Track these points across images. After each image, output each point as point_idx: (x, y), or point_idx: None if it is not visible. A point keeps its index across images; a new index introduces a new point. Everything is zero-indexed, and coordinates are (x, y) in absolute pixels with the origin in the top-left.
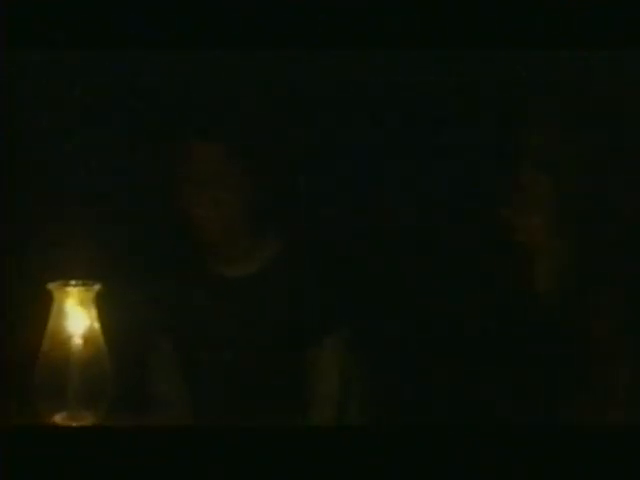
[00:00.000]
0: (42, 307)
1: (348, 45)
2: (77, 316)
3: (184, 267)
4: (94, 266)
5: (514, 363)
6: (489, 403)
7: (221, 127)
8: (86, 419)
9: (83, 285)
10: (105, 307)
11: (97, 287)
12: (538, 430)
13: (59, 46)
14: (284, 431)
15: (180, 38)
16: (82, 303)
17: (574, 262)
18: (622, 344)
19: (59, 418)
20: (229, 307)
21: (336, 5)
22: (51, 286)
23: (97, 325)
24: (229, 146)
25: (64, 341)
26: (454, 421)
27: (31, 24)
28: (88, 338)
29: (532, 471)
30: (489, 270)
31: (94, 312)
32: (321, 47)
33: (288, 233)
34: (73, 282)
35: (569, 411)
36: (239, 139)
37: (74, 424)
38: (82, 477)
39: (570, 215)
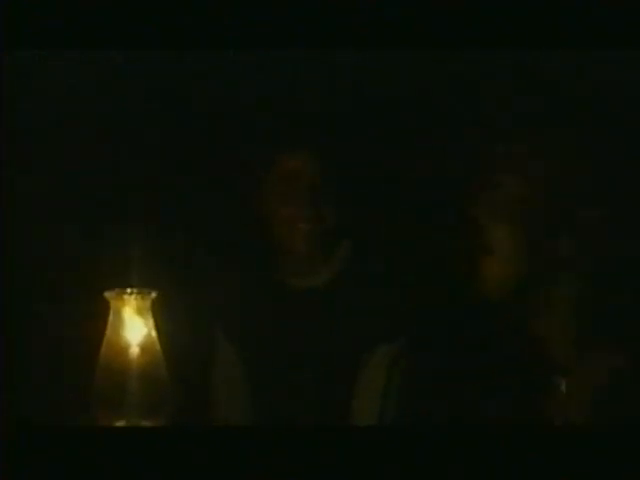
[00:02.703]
0: (99, 315)
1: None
2: (134, 324)
3: (252, 275)
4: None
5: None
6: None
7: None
8: None
9: (139, 293)
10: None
11: (154, 295)
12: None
13: (59, 46)
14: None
15: (180, 38)
16: (139, 311)
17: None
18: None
19: None
20: (296, 318)
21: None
22: (108, 294)
23: (154, 333)
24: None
25: (122, 350)
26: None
27: (30, 24)
28: (145, 347)
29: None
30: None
31: (151, 320)
32: (323, 47)
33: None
34: (129, 290)
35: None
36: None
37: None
38: (83, 477)
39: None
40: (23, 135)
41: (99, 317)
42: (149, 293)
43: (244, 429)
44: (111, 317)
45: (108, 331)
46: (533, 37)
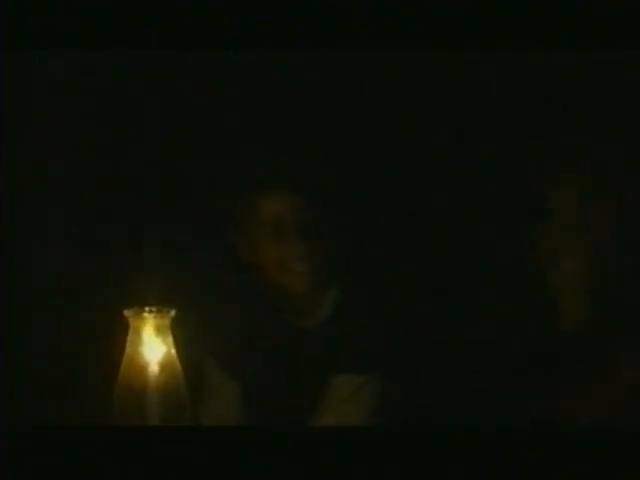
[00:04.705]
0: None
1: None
2: (153, 343)
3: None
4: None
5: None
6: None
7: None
8: None
9: (159, 311)
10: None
11: (173, 313)
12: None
13: (59, 46)
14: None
15: (181, 38)
16: (158, 329)
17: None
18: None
19: None
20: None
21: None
22: (127, 312)
23: (174, 351)
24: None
25: (141, 368)
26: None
27: (30, 24)
28: (165, 365)
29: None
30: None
31: (170, 339)
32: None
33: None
34: (148, 308)
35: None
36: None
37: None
38: (83, 477)
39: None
40: (23, 135)
41: (117, 335)
42: (168, 311)
43: (244, 429)
44: (130, 335)
45: (127, 349)
46: (533, 37)
